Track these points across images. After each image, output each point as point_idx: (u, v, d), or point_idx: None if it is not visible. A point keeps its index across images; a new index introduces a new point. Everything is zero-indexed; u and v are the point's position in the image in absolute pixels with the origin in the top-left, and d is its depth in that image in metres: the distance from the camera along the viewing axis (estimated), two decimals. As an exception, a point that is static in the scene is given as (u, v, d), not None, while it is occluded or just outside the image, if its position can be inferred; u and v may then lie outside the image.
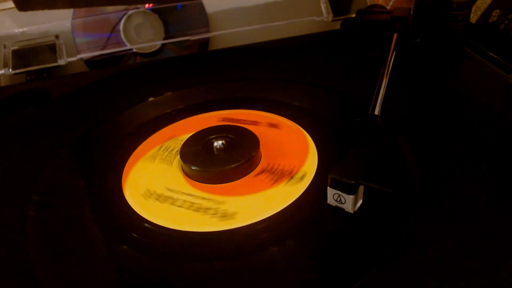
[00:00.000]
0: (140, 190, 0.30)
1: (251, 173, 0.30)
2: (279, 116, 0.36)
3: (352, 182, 0.24)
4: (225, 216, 0.27)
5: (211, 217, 0.27)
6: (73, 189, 0.31)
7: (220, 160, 0.30)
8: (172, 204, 0.28)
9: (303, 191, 0.28)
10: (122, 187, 0.30)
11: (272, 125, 0.35)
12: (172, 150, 0.33)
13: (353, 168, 0.25)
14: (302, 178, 0.29)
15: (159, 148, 0.34)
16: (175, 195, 0.29)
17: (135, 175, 0.31)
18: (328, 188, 0.26)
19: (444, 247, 0.23)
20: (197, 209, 0.28)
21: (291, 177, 0.29)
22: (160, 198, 0.29)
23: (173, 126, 0.37)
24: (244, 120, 0.36)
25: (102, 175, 0.32)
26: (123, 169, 0.32)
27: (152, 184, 0.30)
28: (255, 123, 0.35)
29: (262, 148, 0.32)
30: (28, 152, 0.35)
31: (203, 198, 0.29)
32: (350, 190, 0.25)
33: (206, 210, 0.28)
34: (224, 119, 0.36)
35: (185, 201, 0.28)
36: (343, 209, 0.26)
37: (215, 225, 0.26)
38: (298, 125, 0.34)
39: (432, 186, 0.27)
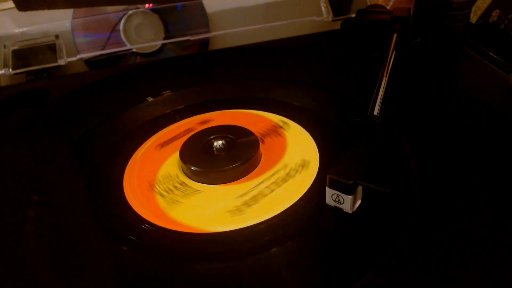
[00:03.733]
0: (221, 216, 0.27)
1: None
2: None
3: (350, 182, 0.24)
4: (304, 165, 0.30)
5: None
6: (73, 189, 0.31)
7: (238, 154, 0.31)
8: (264, 196, 0.28)
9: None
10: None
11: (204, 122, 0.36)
12: (172, 190, 0.30)
13: (351, 168, 0.25)
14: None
15: (160, 196, 0.29)
16: (246, 196, 0.28)
17: (187, 214, 0.28)
18: (327, 188, 0.26)
19: (444, 247, 0.23)
20: (284, 180, 0.29)
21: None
22: (241, 207, 0.28)
23: (142, 161, 0.33)
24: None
25: (102, 175, 0.32)
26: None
27: (215, 210, 0.28)
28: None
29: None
30: (28, 152, 0.35)
31: (272, 175, 0.30)
32: (348, 190, 0.25)
33: (289, 174, 0.30)
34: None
35: (266, 187, 0.29)
36: (342, 209, 0.26)
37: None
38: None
39: (432, 186, 0.27)
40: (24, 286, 0.24)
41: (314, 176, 0.29)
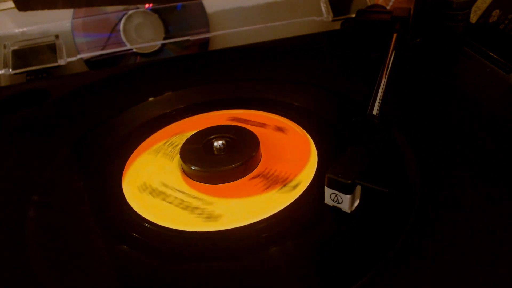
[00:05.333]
0: (137, 182, 0.31)
1: (246, 176, 0.30)
2: (286, 119, 0.36)
3: (349, 181, 0.24)
4: (210, 217, 0.27)
5: (197, 217, 0.27)
6: (73, 189, 0.31)
7: (218, 160, 0.30)
8: (164, 200, 0.29)
9: (292, 200, 0.28)
10: (122, 186, 0.31)
11: (279, 129, 0.35)
12: (177, 145, 0.33)
13: (350, 167, 0.25)
14: (295, 187, 0.29)
15: (165, 143, 0.34)
16: (168, 191, 0.29)
17: (137, 167, 0.32)
18: (325, 187, 0.26)
19: (443, 247, 0.23)
20: (186, 207, 0.28)
21: (284, 185, 0.29)
22: (154, 192, 0.30)
23: (181, 122, 0.37)
24: (253, 121, 0.36)
25: (102, 175, 0.32)
26: (123, 169, 0.32)
27: (150, 178, 0.31)
28: (262, 125, 0.35)
29: (263, 151, 0.32)
30: (28, 152, 0.35)
31: (194, 197, 0.29)
32: (346, 189, 0.25)
33: (193, 209, 0.28)
34: (233, 119, 0.36)
35: (176, 198, 0.29)
36: (340, 209, 0.26)
37: (198, 225, 0.26)
38: (304, 130, 0.34)
39: (432, 186, 0.27)
40: (24, 286, 0.24)
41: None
